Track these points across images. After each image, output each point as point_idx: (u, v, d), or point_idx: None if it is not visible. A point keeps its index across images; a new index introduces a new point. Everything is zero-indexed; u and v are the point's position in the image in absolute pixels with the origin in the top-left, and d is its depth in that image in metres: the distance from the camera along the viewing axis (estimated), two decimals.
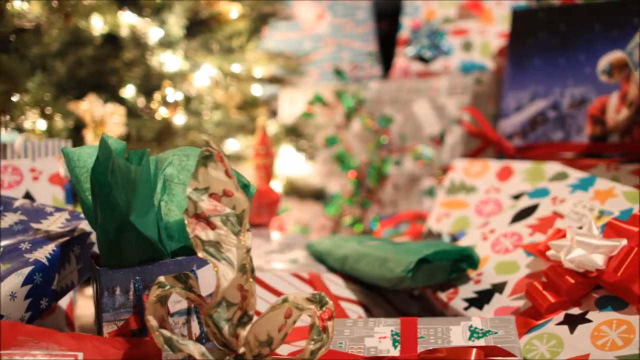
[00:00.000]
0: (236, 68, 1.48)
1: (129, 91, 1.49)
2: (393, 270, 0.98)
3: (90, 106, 1.34)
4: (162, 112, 1.35)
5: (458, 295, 1.00)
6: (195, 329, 0.85)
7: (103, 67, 1.47)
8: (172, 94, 1.36)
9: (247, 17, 1.47)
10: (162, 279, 0.75)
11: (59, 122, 1.34)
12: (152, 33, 1.39)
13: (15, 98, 1.24)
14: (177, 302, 0.84)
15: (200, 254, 0.72)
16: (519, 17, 1.39)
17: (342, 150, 1.63)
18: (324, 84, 1.76)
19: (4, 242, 0.88)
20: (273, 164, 1.40)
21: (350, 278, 1.09)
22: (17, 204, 0.97)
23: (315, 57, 1.81)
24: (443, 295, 1.01)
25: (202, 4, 1.43)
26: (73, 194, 1.20)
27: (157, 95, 1.36)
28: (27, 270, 0.83)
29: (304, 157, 1.63)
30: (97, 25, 1.42)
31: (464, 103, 1.51)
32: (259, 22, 1.56)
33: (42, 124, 1.35)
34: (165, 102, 1.35)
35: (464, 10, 1.61)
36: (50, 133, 1.34)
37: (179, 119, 1.45)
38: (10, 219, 0.93)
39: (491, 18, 1.60)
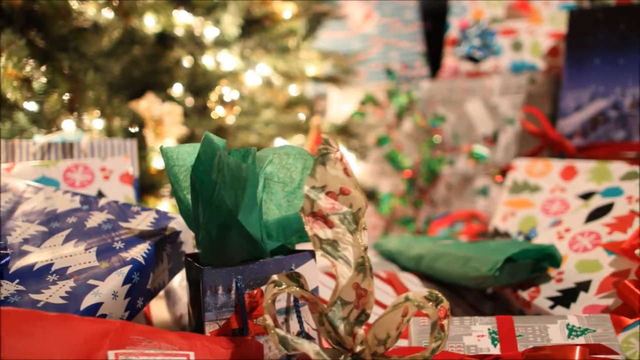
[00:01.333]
0: (291, 67, 1.47)
1: (177, 90, 1.48)
2: (478, 269, 0.98)
3: (148, 105, 1.33)
4: (219, 112, 1.35)
5: (540, 294, 1.00)
6: (294, 327, 0.85)
7: (156, 66, 1.46)
8: (229, 93, 1.35)
9: (300, 16, 1.47)
10: (276, 277, 0.75)
11: (116, 121, 1.34)
12: (208, 32, 1.39)
13: (79, 97, 1.23)
14: (277, 301, 0.84)
15: (318, 253, 0.72)
16: (576, 17, 1.39)
17: (393, 150, 1.63)
18: (373, 83, 1.76)
19: (95, 241, 0.88)
20: None
21: (425, 277, 1.09)
22: (101, 203, 0.96)
23: (363, 57, 1.81)
24: (525, 294, 1.01)
25: (256, 3, 1.42)
26: (139, 193, 1.20)
27: (213, 95, 1.35)
28: (126, 269, 0.83)
29: (355, 157, 1.63)
30: (151, 24, 1.42)
31: (518, 103, 1.51)
32: (314, 21, 1.56)
33: (98, 123, 1.35)
34: (222, 102, 1.35)
35: (512, 10, 1.62)
36: (108, 132, 1.33)
37: (231, 118, 1.45)
38: (98, 218, 0.93)
39: (540, 18, 1.60)
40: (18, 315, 0.69)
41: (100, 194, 1.10)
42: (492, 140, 1.55)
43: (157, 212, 0.94)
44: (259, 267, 0.82)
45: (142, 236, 0.89)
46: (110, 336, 0.72)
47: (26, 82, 1.15)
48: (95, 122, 1.34)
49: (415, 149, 1.64)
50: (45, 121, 1.27)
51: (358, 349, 0.73)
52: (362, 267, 0.72)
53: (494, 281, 0.98)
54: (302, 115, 1.53)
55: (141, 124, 1.34)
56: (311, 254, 0.86)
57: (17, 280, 0.82)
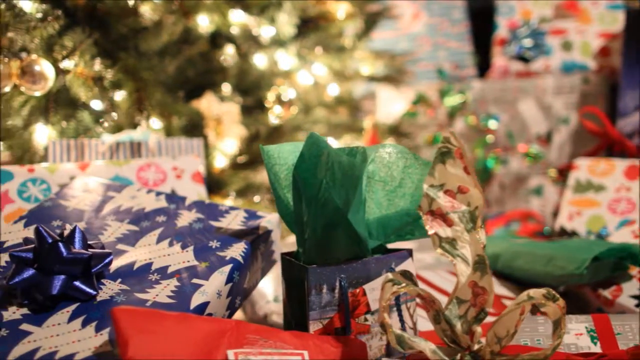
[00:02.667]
0: (346, 67, 1.47)
1: (226, 89, 1.48)
2: (564, 267, 0.98)
3: (208, 104, 1.33)
4: (276, 111, 1.34)
5: (623, 292, 1.00)
6: (394, 325, 0.85)
7: (209, 65, 1.46)
8: (286, 92, 1.35)
9: (355, 16, 1.47)
10: (390, 276, 0.74)
11: (175, 120, 1.33)
12: (264, 31, 1.38)
13: (144, 96, 1.23)
14: (377, 300, 0.84)
15: (438, 251, 0.72)
16: (633, 17, 1.39)
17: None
18: (423, 83, 1.76)
19: (190, 240, 0.88)
20: None
21: (501, 275, 1.10)
22: (188, 202, 0.96)
23: (412, 57, 1.81)
24: (606, 293, 1.01)
25: (311, 2, 1.42)
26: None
27: (270, 94, 1.35)
28: (227, 269, 0.82)
29: None
30: (205, 23, 1.41)
31: (572, 103, 1.51)
32: (369, 21, 1.56)
33: (155, 123, 1.34)
34: (280, 101, 1.34)
35: (560, 10, 1.62)
36: (167, 132, 1.33)
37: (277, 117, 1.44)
38: (187, 217, 0.92)
39: (589, 18, 1.61)
40: (141, 314, 0.69)
41: (174, 193, 1.10)
42: (546, 140, 1.55)
43: (246, 211, 0.94)
44: (362, 266, 0.82)
45: (236, 235, 0.88)
46: (227, 335, 0.72)
47: (97, 80, 1.15)
48: (153, 121, 1.34)
49: (467, 148, 1.64)
50: (110, 120, 1.26)
51: (476, 347, 0.73)
52: (480, 266, 0.72)
53: (578, 280, 0.98)
54: (359, 116, 1.52)
55: (198, 123, 1.34)
56: (409, 252, 0.86)
57: (119, 280, 0.81)
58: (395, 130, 1.58)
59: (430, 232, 0.71)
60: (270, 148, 0.83)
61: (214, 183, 1.27)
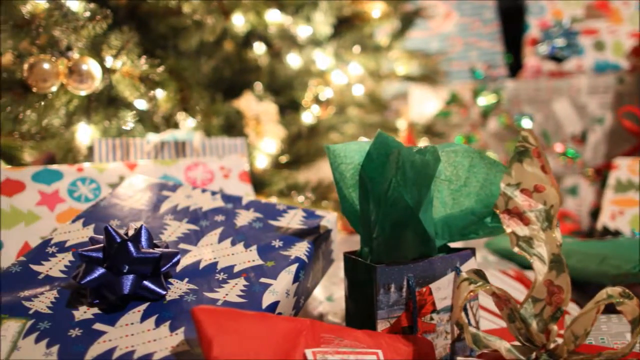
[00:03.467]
0: (381, 66, 1.47)
1: (258, 89, 1.48)
2: (620, 266, 0.98)
3: (247, 104, 1.33)
4: (314, 110, 1.34)
5: None
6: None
7: (243, 65, 1.46)
8: (323, 92, 1.35)
9: (390, 16, 1.47)
10: (465, 275, 0.74)
11: (213, 120, 1.33)
12: (301, 31, 1.38)
13: (187, 96, 1.23)
14: (443, 299, 0.84)
15: (515, 249, 0.72)
16: None
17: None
18: (455, 82, 1.76)
19: (251, 239, 0.87)
20: None
21: None
22: (245, 201, 0.96)
23: (444, 56, 1.81)
24: None
25: (346, 2, 1.42)
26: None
27: (308, 94, 1.35)
28: (294, 268, 0.82)
29: None
30: (240, 22, 1.41)
31: (606, 102, 1.52)
32: (405, 21, 1.56)
33: (195, 122, 1.34)
34: (317, 100, 1.34)
35: (592, 10, 1.62)
36: (206, 131, 1.33)
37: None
38: (246, 216, 0.92)
39: (620, 18, 1.61)
40: (221, 313, 0.68)
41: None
42: (580, 139, 1.55)
43: (304, 210, 0.94)
44: (428, 265, 0.82)
45: (298, 234, 0.88)
46: (303, 334, 0.72)
47: (143, 80, 1.14)
48: (191, 121, 1.34)
49: (500, 148, 1.64)
50: (151, 119, 1.26)
51: (551, 345, 0.73)
52: (556, 264, 0.72)
53: (634, 279, 0.99)
54: (387, 116, 1.52)
55: (236, 123, 1.34)
56: (472, 252, 0.86)
57: (186, 279, 0.81)
58: (429, 130, 1.58)
59: (508, 230, 0.71)
60: (336, 147, 0.83)
61: (255, 183, 1.27)
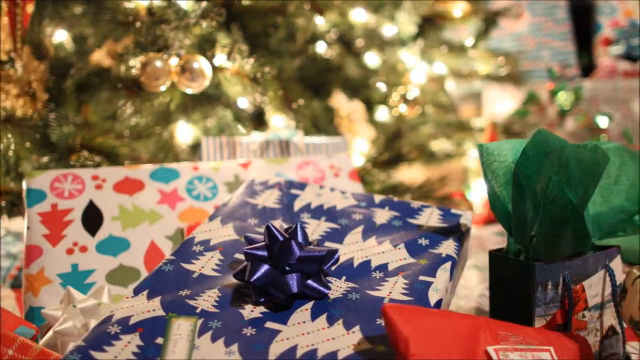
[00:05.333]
0: (463, 66, 1.48)
1: (337, 88, 1.48)
2: None
3: (339, 103, 1.33)
4: (401, 109, 1.35)
5: None
6: (607, 322, 0.85)
7: (326, 64, 1.46)
8: (410, 91, 1.35)
9: (472, 15, 1.47)
10: (637, 272, 0.75)
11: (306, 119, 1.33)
12: (386, 30, 1.38)
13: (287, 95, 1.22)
14: (594, 296, 0.84)
15: None
16: None
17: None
18: (530, 82, 1.76)
19: (396, 238, 0.87)
20: None
21: None
22: (377, 199, 0.96)
23: (521, 56, 1.82)
24: None
25: (429, 2, 1.42)
26: None
27: (395, 93, 1.35)
28: (448, 266, 0.82)
29: None
30: (321, 22, 1.41)
31: None
32: (489, 20, 1.56)
33: (281, 121, 1.34)
34: (405, 99, 1.35)
35: None
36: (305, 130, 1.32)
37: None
38: (383, 214, 0.92)
39: None
40: (411, 311, 0.68)
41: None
42: None
43: (439, 208, 0.94)
44: (582, 263, 0.82)
45: (442, 233, 0.88)
46: (481, 332, 0.72)
47: (251, 79, 1.14)
48: (277, 119, 1.34)
49: None
50: (250, 118, 1.26)
51: None
52: None
53: None
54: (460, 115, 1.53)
55: (327, 122, 1.33)
56: (617, 250, 0.86)
57: (343, 277, 0.81)
58: (507, 129, 1.58)
59: None
60: (490, 145, 0.84)
61: None
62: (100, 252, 0.95)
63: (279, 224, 0.90)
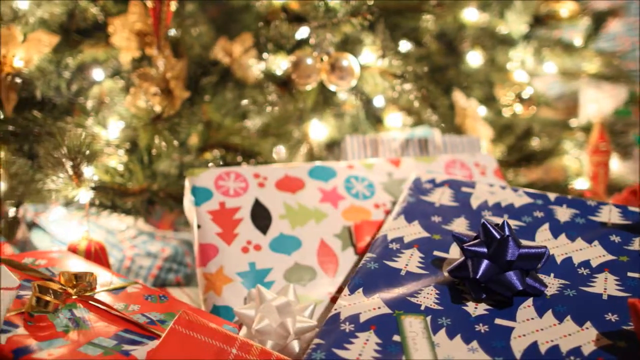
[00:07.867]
0: (578, 66, 1.49)
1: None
2: None
3: (458, 101, 1.33)
4: (517, 109, 1.35)
5: None
6: None
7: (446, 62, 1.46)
8: (526, 91, 1.36)
9: (580, 14, 1.48)
10: None
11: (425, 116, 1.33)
12: (497, 29, 1.39)
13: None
14: None
15: None
16: None
17: None
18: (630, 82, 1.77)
19: (588, 236, 0.87)
20: (609, 161, 1.41)
21: None
22: (552, 197, 0.96)
23: (624, 55, 1.83)
24: None
25: (539, 2, 1.43)
26: None
27: (510, 93, 1.36)
28: None
29: (618, 155, 1.64)
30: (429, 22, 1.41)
31: None
32: (599, 19, 1.57)
33: (399, 118, 1.34)
34: (520, 99, 1.35)
35: None
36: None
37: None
38: (564, 212, 0.92)
39: None
40: None
41: None
42: None
43: (616, 206, 0.94)
44: None
45: (629, 230, 0.89)
46: None
47: (396, 77, 1.14)
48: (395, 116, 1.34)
49: None
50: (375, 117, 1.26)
51: None
52: None
53: None
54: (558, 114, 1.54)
55: (449, 120, 1.33)
56: None
57: (552, 274, 0.81)
58: (610, 129, 1.59)
59: None
60: None
61: None
62: (275, 251, 0.95)
63: (463, 222, 0.90)
